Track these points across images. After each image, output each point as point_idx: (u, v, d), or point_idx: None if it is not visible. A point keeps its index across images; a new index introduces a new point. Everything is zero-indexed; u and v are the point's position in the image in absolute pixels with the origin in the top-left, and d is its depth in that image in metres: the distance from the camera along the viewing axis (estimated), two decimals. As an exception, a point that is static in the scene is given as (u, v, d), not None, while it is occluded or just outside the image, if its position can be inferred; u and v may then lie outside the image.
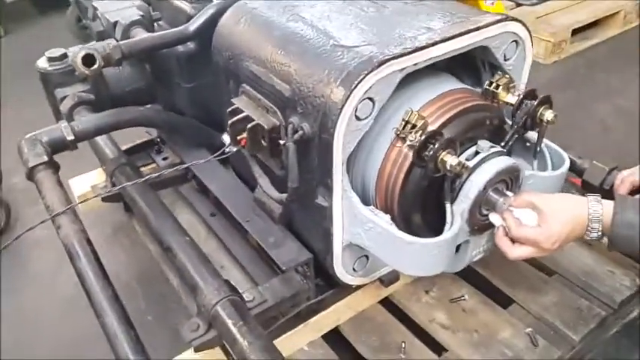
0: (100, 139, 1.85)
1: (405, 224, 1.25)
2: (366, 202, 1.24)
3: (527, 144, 1.36)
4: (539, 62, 3.41)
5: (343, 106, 1.06)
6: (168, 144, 1.93)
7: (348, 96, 1.06)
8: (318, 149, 1.14)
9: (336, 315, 1.46)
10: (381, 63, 1.07)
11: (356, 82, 1.06)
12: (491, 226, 1.24)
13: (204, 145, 1.74)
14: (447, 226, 1.12)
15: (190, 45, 1.64)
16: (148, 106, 1.84)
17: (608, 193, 1.59)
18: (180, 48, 1.65)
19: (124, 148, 2.05)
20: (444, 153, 1.07)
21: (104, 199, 1.81)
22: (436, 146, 1.06)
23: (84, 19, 3.62)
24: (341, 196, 1.17)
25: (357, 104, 1.08)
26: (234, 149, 1.30)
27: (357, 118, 1.10)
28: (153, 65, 1.76)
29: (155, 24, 1.80)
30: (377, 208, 1.25)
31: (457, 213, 1.13)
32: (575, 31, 3.53)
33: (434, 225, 1.22)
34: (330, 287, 1.42)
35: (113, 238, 2.21)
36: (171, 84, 1.74)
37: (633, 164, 1.56)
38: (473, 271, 1.64)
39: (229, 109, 1.31)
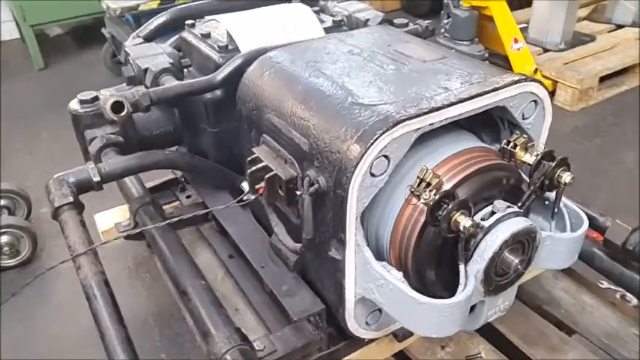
0: (127, 177, 1.91)
1: (419, 280, 1.24)
2: (380, 257, 1.24)
3: (547, 202, 1.35)
4: (566, 109, 3.39)
5: (358, 163, 1.08)
6: (192, 184, 1.97)
7: (364, 154, 1.08)
8: (333, 203, 1.15)
9: (348, 367, 1.44)
10: (397, 123, 1.09)
11: (371, 141, 1.08)
12: (507, 286, 1.22)
13: (226, 188, 1.78)
14: (461, 287, 1.10)
15: (217, 92, 1.70)
16: (174, 148, 1.90)
17: (629, 253, 1.55)
18: (207, 95, 1.70)
19: (149, 185, 2.13)
20: (457, 214, 1.07)
21: (127, 238, 1.85)
22: (450, 207, 1.06)
23: (118, 54, 3.80)
24: (354, 251, 1.18)
25: (372, 161, 1.10)
26: (253, 197, 1.33)
27: (372, 175, 1.12)
28: (181, 110, 1.82)
29: (185, 70, 1.88)
30: (391, 263, 1.25)
31: (471, 274, 1.12)
32: (603, 78, 3.51)
33: (449, 282, 1.21)
34: (343, 339, 1.41)
35: (135, 273, 2.25)
36: (197, 128, 1.80)
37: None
38: (490, 327, 1.60)
39: (249, 158, 1.34)
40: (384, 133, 1.08)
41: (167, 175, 2.14)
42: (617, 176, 2.78)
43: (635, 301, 1.90)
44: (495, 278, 1.19)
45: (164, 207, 2.05)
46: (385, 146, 1.09)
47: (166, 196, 2.13)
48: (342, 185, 1.10)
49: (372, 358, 1.48)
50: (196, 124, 1.79)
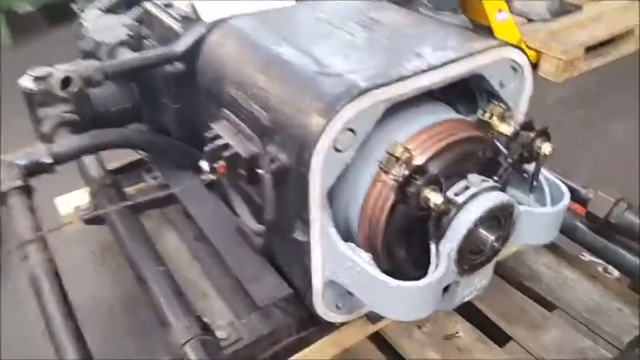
0: (86, 158, 1.81)
1: (390, 261, 1.17)
2: (350, 237, 1.17)
3: (526, 175, 1.27)
4: (550, 80, 3.31)
5: (320, 137, 0.99)
6: (154, 164, 1.87)
7: (326, 127, 0.99)
8: (295, 182, 1.06)
9: (319, 353, 1.37)
10: (363, 92, 1.00)
11: (334, 113, 0.99)
12: (483, 264, 1.15)
13: (190, 167, 1.68)
14: (432, 268, 1.03)
15: (178, 65, 1.58)
16: (134, 126, 1.79)
17: (612, 226, 1.49)
18: (168, 68, 1.59)
19: (114, 166, 2.02)
20: (427, 190, 0.99)
21: (86, 222, 1.76)
22: (419, 182, 0.98)
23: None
24: (320, 232, 1.10)
25: (336, 135, 1.01)
26: (211, 178, 1.23)
27: (337, 150, 1.03)
28: (140, 85, 1.71)
29: (146, 43, 1.76)
30: (360, 243, 1.17)
31: (444, 253, 1.05)
32: (589, 49, 3.43)
33: (422, 261, 1.13)
34: (314, 323, 1.34)
35: (100, 259, 2.16)
36: (158, 104, 1.69)
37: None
38: (469, 305, 1.54)
39: (208, 135, 1.24)
40: (348, 103, 0.99)
41: (132, 155, 2.03)
42: (601, 147, 2.72)
43: (616, 273, 1.86)
44: (470, 257, 1.12)
45: (129, 189, 1.96)
46: (350, 118, 1.00)
47: (132, 177, 2.02)
48: (304, 162, 1.01)
49: (345, 341, 1.41)
50: (157, 100, 1.68)
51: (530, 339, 1.47)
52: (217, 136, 1.23)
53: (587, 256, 1.90)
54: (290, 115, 1.06)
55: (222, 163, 1.19)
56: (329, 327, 1.35)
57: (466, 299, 1.21)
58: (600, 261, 1.75)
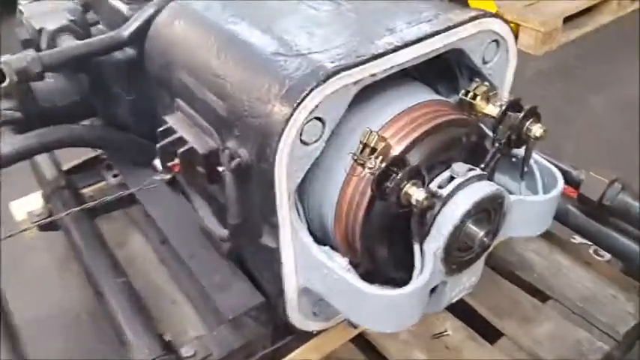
0: (39, 157, 1.65)
1: (370, 260, 1.05)
2: (326, 237, 1.05)
3: (514, 160, 1.16)
4: (530, 53, 3.21)
5: (284, 129, 0.86)
6: (113, 163, 1.72)
7: (290, 117, 0.86)
8: (259, 180, 0.94)
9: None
10: (330, 75, 0.87)
11: (299, 100, 0.86)
12: (472, 262, 1.04)
13: (150, 164, 1.53)
14: (416, 272, 0.92)
15: (129, 51, 1.43)
16: (87, 122, 1.63)
17: (607, 210, 1.40)
18: (118, 55, 1.43)
19: (71, 164, 1.86)
20: (407, 185, 0.87)
21: (41, 229, 1.60)
22: (398, 176, 0.86)
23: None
24: (290, 236, 0.97)
25: (301, 126, 0.88)
26: (166, 177, 1.10)
27: (304, 143, 0.90)
28: (89, 75, 1.55)
29: (94, 28, 1.59)
30: (337, 244, 1.05)
31: (429, 253, 0.94)
32: (567, 19, 3.34)
33: (406, 261, 1.02)
34: (290, 331, 1.22)
35: (65, 265, 2.01)
36: (110, 95, 1.53)
37: (631, 165, 1.38)
38: (458, 300, 1.45)
39: (160, 129, 1.10)
40: (314, 89, 0.86)
41: (90, 152, 1.87)
42: (584, 121, 2.64)
43: (607, 256, 1.78)
44: (458, 254, 1.01)
45: (88, 189, 1.81)
46: (317, 106, 0.88)
47: (90, 176, 1.86)
48: (267, 158, 0.88)
49: (325, 347, 1.30)
50: (109, 91, 1.52)
51: (522, 333, 1.38)
52: (170, 130, 1.09)
53: (577, 239, 1.82)
54: (249, 104, 0.92)
55: (176, 160, 1.05)
56: (307, 335, 1.23)
57: (455, 299, 1.11)
58: (591, 243, 1.67)
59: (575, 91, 2.97)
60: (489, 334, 1.41)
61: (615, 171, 1.45)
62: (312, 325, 1.16)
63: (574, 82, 3.04)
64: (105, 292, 1.21)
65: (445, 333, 1.39)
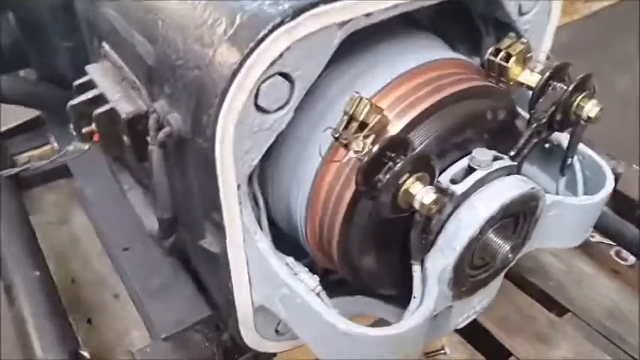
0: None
1: (351, 273, 0.78)
2: (294, 240, 0.77)
3: (547, 146, 0.89)
4: (548, 25, 2.90)
5: (228, 87, 0.57)
6: (47, 124, 1.43)
7: (239, 67, 0.57)
8: (196, 161, 0.65)
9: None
10: (303, 9, 0.58)
11: (253, 43, 0.56)
12: (488, 281, 0.78)
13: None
14: (414, 302, 0.65)
15: (65, -15, 1.13)
16: (21, 72, 1.33)
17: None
18: (50, -11, 1.14)
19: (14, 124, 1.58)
20: (409, 179, 0.59)
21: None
22: (397, 167, 0.58)
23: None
24: (241, 239, 0.70)
25: (257, 84, 0.59)
26: (84, 148, 0.81)
27: (261, 110, 0.62)
28: (19, 18, 1.25)
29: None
30: (310, 249, 0.78)
31: (432, 275, 0.67)
32: (590, -12, 3.01)
33: (399, 272, 0.75)
34: (245, 350, 0.96)
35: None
36: (46, 42, 1.24)
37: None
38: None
39: (76, 82, 0.81)
40: (277, 27, 0.57)
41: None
42: (608, 103, 2.34)
43: (632, 258, 1.53)
44: (471, 272, 0.74)
45: (28, 154, 1.53)
46: (282, 54, 0.59)
47: (34, 138, 1.58)
48: (204, 130, 0.60)
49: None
50: (45, 38, 1.24)
51: (534, 355, 1.14)
52: (89, 84, 0.80)
53: (597, 237, 1.57)
54: (184, 49, 0.63)
55: (93, 126, 0.76)
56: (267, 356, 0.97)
57: (461, 326, 0.85)
58: (612, 243, 1.42)
59: (599, 67, 2.65)
60: (495, 353, 1.16)
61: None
62: (273, 347, 0.90)
63: (598, 58, 2.73)
64: (15, 285, 0.94)
65: (441, 351, 1.15)
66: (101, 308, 1.29)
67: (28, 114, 1.60)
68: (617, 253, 1.58)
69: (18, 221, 1.09)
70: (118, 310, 1.27)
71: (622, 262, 1.52)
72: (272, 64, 0.59)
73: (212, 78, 0.58)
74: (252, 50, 0.57)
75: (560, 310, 1.25)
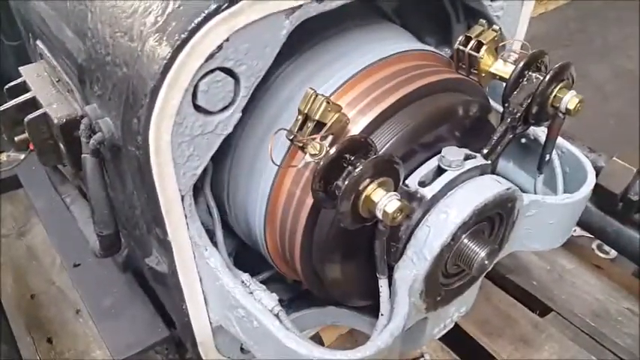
0: None
1: (315, 285, 0.72)
2: (255, 254, 0.71)
3: (523, 140, 0.83)
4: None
5: (159, 85, 0.50)
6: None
7: (170, 62, 0.50)
8: (132, 170, 0.58)
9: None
10: (245, -6, 0.51)
11: (185, 34, 0.49)
12: (464, 289, 0.72)
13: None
14: (381, 321, 0.59)
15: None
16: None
17: (632, 205, 1.09)
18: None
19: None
20: (372, 185, 0.52)
21: None
22: (357, 171, 0.51)
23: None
24: (191, 255, 0.63)
25: (194, 81, 0.52)
26: (20, 157, 0.74)
27: (202, 111, 0.55)
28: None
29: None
30: (271, 261, 0.72)
31: (402, 287, 0.60)
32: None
33: (367, 282, 0.69)
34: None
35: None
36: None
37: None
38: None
39: (7, 86, 0.73)
40: (214, 15, 0.50)
41: None
42: (587, 93, 2.32)
43: (613, 252, 1.50)
44: (445, 281, 0.68)
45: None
46: (221, 46, 0.52)
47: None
48: (134, 135, 0.53)
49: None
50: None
51: (518, 358, 1.09)
52: (24, 87, 0.72)
53: (577, 231, 1.53)
54: (113, 45, 0.56)
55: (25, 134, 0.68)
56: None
57: (438, 336, 0.79)
58: (592, 236, 1.39)
59: (575, 57, 2.63)
60: (477, 357, 1.11)
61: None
62: (238, 367, 0.83)
63: (573, 48, 2.71)
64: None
65: (422, 358, 1.08)
66: (61, 326, 1.21)
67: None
68: (599, 247, 1.55)
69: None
70: (78, 328, 1.18)
71: (604, 256, 1.49)
72: (210, 57, 0.52)
73: (140, 75, 0.51)
74: (184, 42, 0.50)
75: (543, 309, 1.20)
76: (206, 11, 0.49)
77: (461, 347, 1.13)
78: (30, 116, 0.68)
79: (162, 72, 0.49)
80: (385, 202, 0.51)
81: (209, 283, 0.65)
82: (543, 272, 1.27)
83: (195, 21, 0.49)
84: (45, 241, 1.39)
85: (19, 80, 0.75)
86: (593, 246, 1.53)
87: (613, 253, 1.53)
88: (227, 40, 0.51)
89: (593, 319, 1.16)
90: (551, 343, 1.13)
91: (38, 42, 0.76)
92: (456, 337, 1.14)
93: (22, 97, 0.71)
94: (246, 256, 0.78)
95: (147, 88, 0.50)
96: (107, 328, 0.82)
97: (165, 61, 0.49)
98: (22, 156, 0.78)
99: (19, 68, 0.77)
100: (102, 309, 0.84)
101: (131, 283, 0.87)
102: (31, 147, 0.72)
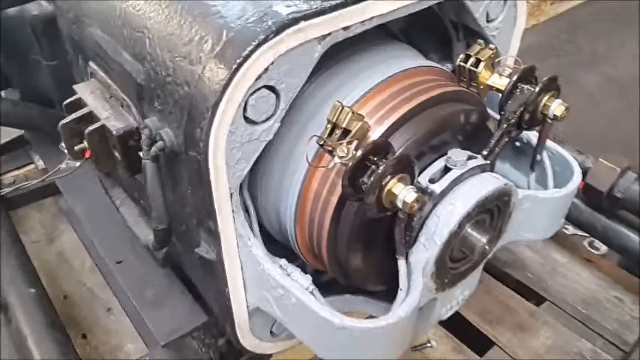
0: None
1: (341, 273, 0.82)
2: (285, 242, 0.81)
3: (517, 144, 0.94)
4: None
5: (219, 101, 0.61)
6: (32, 143, 1.44)
7: (228, 83, 0.61)
8: (189, 172, 0.69)
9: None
10: (286, 25, 0.62)
11: (240, 59, 0.60)
12: (468, 273, 0.82)
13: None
14: (401, 294, 0.69)
15: (46, 6, 1.15)
16: (2, 93, 1.34)
17: (617, 202, 1.20)
18: (32, 11, 1.16)
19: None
20: (392, 181, 0.63)
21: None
22: (380, 170, 0.62)
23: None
24: (235, 244, 0.73)
25: (245, 97, 0.63)
26: (76, 165, 0.84)
27: (250, 122, 0.65)
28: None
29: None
30: (300, 251, 0.82)
31: (417, 268, 0.71)
32: (554, -9, 3.12)
33: (385, 268, 0.80)
34: (241, 353, 0.99)
35: None
36: (27, 61, 1.26)
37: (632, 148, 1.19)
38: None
39: (65, 102, 0.84)
40: (262, 43, 0.61)
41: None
42: (577, 101, 2.45)
43: (603, 248, 1.60)
44: (452, 265, 0.79)
45: (13, 174, 1.53)
46: (267, 69, 0.63)
47: (19, 157, 1.59)
48: (197, 143, 0.64)
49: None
50: (26, 56, 1.25)
51: (517, 344, 1.19)
52: (79, 103, 0.83)
53: (570, 229, 1.64)
54: (172, 66, 0.67)
55: (85, 143, 0.79)
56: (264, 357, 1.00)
57: (445, 317, 0.89)
58: (585, 234, 1.49)
59: (567, 66, 2.77)
60: (479, 343, 1.21)
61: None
62: (269, 348, 0.93)
63: (565, 58, 2.83)
64: (11, 303, 0.95)
65: (428, 345, 1.19)
66: (94, 323, 1.30)
67: (9, 134, 1.60)
68: (590, 244, 1.65)
69: (10, 241, 1.10)
70: (111, 324, 1.28)
71: (595, 252, 1.60)
72: (258, 78, 0.63)
73: (202, 93, 0.62)
74: (239, 66, 0.61)
75: (538, 299, 1.30)
76: (257, 40, 0.60)
77: (464, 334, 1.24)
78: (90, 128, 0.78)
79: (221, 90, 0.60)
80: (405, 193, 0.62)
81: (249, 269, 0.75)
82: (538, 266, 1.37)
83: (249, 49, 0.60)
84: (74, 246, 1.49)
85: (74, 97, 0.85)
86: (585, 243, 1.64)
87: (604, 249, 1.64)
88: (272, 63, 0.62)
89: (584, 307, 1.27)
90: (546, 329, 1.24)
91: (91, 63, 0.87)
92: (459, 326, 1.24)
93: (80, 111, 0.82)
94: (270, 250, 0.88)
95: (208, 104, 0.61)
96: (151, 316, 0.91)
97: (224, 82, 0.60)
98: (78, 164, 0.88)
99: (74, 86, 0.87)
100: (145, 299, 0.94)
101: (171, 277, 0.97)
102: (87, 155, 0.82)
